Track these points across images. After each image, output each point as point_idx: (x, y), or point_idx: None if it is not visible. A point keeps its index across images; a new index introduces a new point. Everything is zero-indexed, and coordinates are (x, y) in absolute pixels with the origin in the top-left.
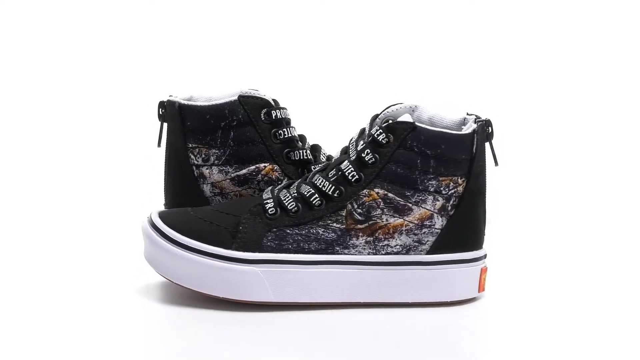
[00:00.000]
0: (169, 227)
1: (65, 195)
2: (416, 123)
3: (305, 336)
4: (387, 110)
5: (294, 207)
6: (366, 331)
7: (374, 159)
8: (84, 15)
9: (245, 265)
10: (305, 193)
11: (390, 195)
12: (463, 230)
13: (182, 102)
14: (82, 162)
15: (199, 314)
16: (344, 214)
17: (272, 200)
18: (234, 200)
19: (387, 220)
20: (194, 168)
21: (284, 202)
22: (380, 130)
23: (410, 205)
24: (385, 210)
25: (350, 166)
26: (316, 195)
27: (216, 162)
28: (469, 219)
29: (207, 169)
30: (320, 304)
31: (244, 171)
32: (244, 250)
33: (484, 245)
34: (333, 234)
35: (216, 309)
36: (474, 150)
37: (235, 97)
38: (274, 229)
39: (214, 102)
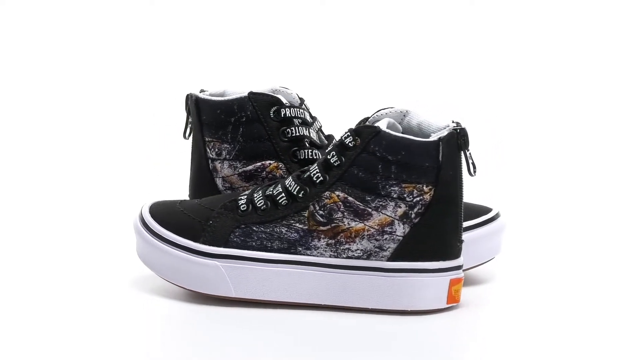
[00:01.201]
0: (152, 219)
1: (65, 193)
2: (381, 128)
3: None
4: (377, 113)
5: (262, 205)
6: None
7: (339, 162)
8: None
9: (208, 259)
10: (274, 192)
11: (350, 199)
12: (428, 239)
13: (199, 95)
14: (84, 162)
15: (180, 307)
16: (306, 214)
17: (246, 196)
18: (222, 194)
19: (348, 224)
20: (210, 162)
21: (255, 199)
22: (348, 133)
23: (369, 210)
24: (345, 213)
25: (317, 167)
26: (283, 194)
27: (227, 156)
28: (435, 228)
29: (219, 163)
30: (280, 303)
31: (250, 167)
32: (210, 244)
33: (460, 256)
34: (296, 234)
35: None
36: (440, 159)
37: (246, 94)
38: (242, 225)
39: (225, 98)
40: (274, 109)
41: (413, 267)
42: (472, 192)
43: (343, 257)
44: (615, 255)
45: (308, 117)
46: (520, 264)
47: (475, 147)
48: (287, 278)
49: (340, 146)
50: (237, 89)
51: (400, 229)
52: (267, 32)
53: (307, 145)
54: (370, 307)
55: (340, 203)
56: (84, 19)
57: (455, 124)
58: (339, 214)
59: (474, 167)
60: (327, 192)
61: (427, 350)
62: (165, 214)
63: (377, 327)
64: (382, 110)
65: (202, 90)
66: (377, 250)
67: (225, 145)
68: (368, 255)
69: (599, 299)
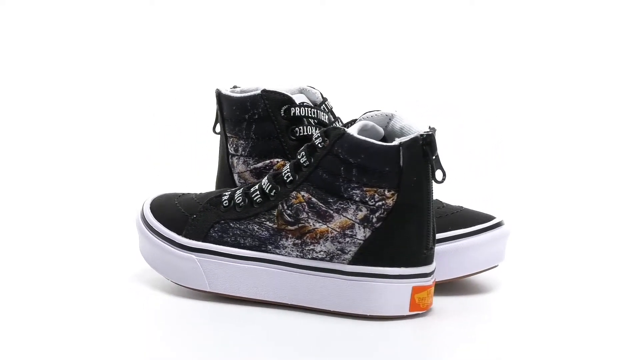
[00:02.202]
0: (149, 211)
1: (65, 193)
2: (349, 130)
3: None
4: (363, 116)
5: (240, 202)
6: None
7: (308, 162)
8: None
9: (187, 252)
10: (252, 189)
11: (313, 200)
12: (389, 245)
13: (221, 91)
14: (85, 162)
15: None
16: (275, 213)
17: (229, 193)
18: (215, 190)
19: (313, 224)
20: (229, 157)
21: (235, 195)
22: (319, 134)
23: (331, 212)
24: (310, 214)
25: (288, 167)
26: (258, 192)
27: (242, 153)
28: (398, 235)
29: (236, 158)
30: (249, 299)
31: (260, 164)
32: (190, 238)
33: (428, 264)
34: (266, 232)
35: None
36: (402, 164)
37: (259, 91)
38: (222, 221)
39: (240, 95)
40: (284, 107)
41: (373, 271)
42: (471, 193)
43: (308, 258)
44: (616, 257)
45: (325, 118)
46: (522, 269)
47: (475, 147)
48: (256, 276)
49: (311, 147)
50: (269, 86)
51: (361, 233)
52: (300, 29)
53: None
54: (332, 310)
55: (304, 203)
56: (97, 17)
57: (430, 129)
58: (304, 215)
59: (443, 174)
60: (294, 192)
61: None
62: (161, 207)
63: (363, 330)
64: (368, 113)
65: (234, 87)
66: (339, 252)
67: (241, 141)
68: (331, 258)
69: (598, 302)
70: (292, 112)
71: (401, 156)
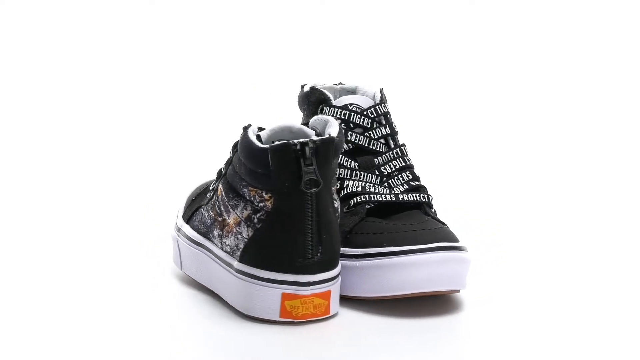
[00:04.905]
0: (191, 194)
1: (67, 192)
2: (248, 129)
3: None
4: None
5: (212, 187)
6: None
7: (231, 156)
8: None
9: (174, 232)
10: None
11: (223, 194)
12: (265, 247)
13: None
14: (87, 162)
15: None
16: (212, 202)
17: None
18: None
19: (227, 218)
20: None
21: (214, 182)
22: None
23: (229, 207)
24: (222, 208)
25: (228, 160)
26: (215, 180)
27: None
28: (273, 238)
29: None
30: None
31: None
32: (182, 219)
33: (308, 273)
34: (209, 220)
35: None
36: (271, 168)
37: (308, 88)
38: (201, 206)
39: (306, 90)
40: (321, 106)
41: (249, 271)
42: (471, 193)
43: (223, 251)
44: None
45: (362, 121)
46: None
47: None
48: (198, 260)
49: (236, 142)
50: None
51: (245, 231)
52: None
53: None
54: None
55: (219, 197)
56: (97, 18)
57: (310, 141)
58: (222, 208)
59: (313, 183)
60: (220, 185)
61: None
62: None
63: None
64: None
65: (339, 83)
66: (235, 248)
67: None
68: (232, 252)
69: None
70: (325, 111)
71: (270, 160)
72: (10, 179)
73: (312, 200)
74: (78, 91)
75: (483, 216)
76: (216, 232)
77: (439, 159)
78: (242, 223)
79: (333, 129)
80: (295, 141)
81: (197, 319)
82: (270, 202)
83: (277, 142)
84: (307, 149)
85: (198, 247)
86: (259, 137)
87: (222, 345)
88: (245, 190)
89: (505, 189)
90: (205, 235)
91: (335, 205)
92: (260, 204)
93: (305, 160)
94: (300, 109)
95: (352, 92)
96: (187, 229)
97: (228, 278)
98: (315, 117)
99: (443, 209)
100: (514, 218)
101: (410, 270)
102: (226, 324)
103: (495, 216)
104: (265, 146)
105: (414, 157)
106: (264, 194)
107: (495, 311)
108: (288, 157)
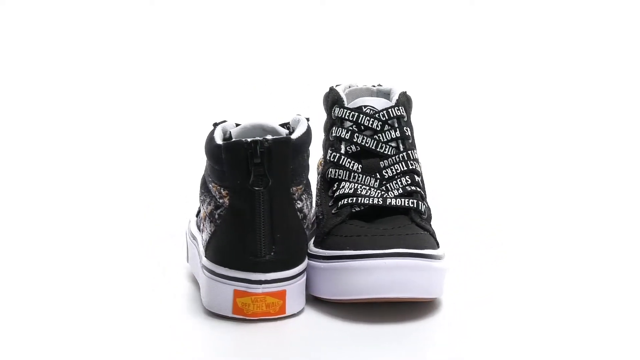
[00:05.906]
0: None
1: (67, 192)
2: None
3: None
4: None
5: None
6: None
7: None
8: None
9: (186, 226)
10: None
11: (202, 188)
12: (220, 243)
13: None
14: (89, 162)
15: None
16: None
17: None
18: None
19: (203, 212)
20: None
21: None
22: None
23: (202, 202)
24: (200, 202)
25: None
26: None
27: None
28: (227, 235)
29: None
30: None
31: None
32: (196, 215)
33: (264, 272)
34: (201, 215)
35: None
36: (224, 165)
37: (327, 89)
38: None
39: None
40: (334, 107)
41: (209, 267)
42: (471, 193)
43: (201, 245)
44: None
45: (372, 124)
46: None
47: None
48: (191, 255)
49: None
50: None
51: (209, 226)
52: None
53: (341, 148)
54: None
55: (199, 191)
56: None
57: (265, 139)
58: (200, 202)
59: (260, 182)
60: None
61: None
62: None
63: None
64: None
65: (378, 85)
66: (204, 243)
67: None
68: (204, 247)
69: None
70: (336, 112)
71: (223, 157)
72: (10, 179)
73: (263, 199)
74: (78, 91)
75: (483, 216)
76: (201, 226)
77: (439, 159)
78: (207, 218)
79: (300, 129)
80: (249, 139)
81: (197, 319)
82: (228, 199)
83: (230, 141)
84: (257, 147)
85: (193, 242)
86: (230, 134)
87: (222, 345)
88: (210, 185)
89: (505, 189)
90: (199, 228)
91: (299, 206)
92: (220, 200)
93: (254, 158)
94: (324, 109)
95: (387, 94)
96: (192, 223)
97: (200, 272)
98: (294, 117)
99: (443, 209)
100: (514, 218)
101: (362, 274)
102: (226, 324)
103: (495, 216)
104: (220, 143)
105: None
106: (222, 190)
107: (495, 311)
108: (239, 154)
